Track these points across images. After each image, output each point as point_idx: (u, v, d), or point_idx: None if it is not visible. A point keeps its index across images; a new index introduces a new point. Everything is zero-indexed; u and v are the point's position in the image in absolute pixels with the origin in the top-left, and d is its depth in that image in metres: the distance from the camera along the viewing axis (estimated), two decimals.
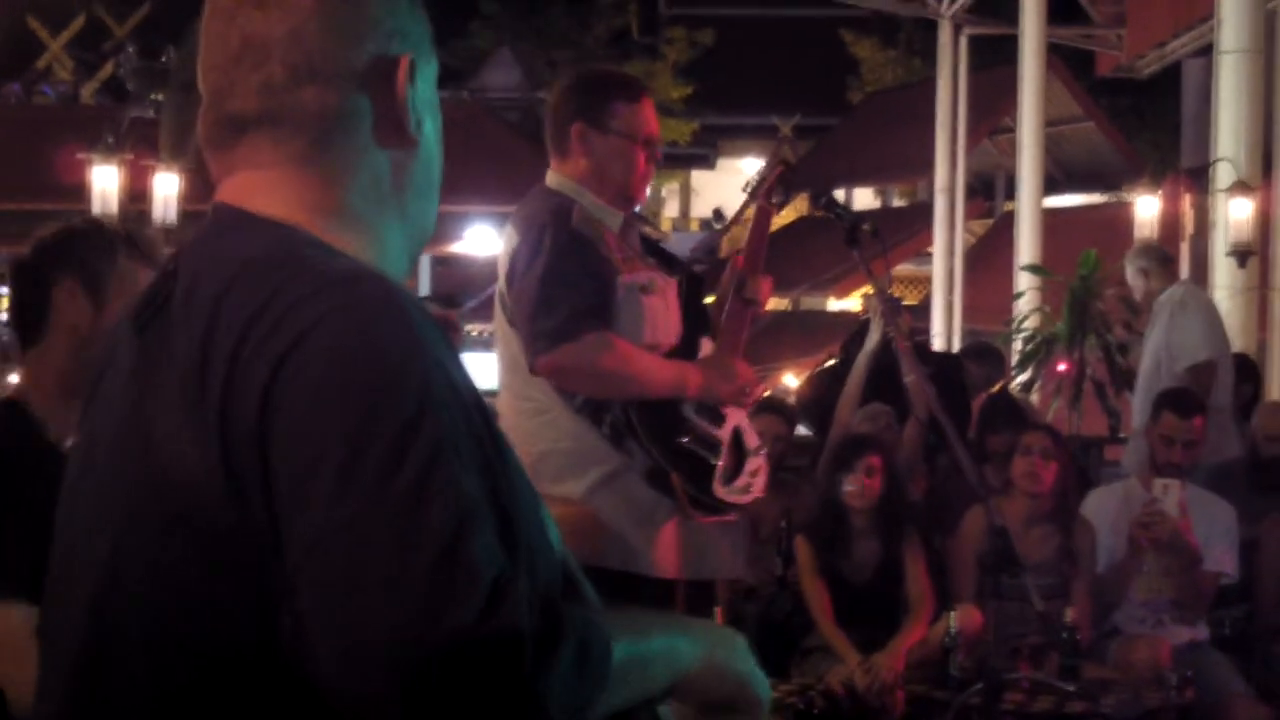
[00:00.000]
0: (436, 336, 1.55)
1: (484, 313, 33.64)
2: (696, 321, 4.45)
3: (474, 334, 32.51)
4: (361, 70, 1.68)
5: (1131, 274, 8.63)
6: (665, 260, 4.47)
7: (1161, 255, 8.86)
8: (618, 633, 1.58)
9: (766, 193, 4.76)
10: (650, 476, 4.27)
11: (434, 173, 1.77)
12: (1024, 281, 16.45)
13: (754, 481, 4.44)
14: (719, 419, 4.39)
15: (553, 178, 4.41)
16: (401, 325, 1.53)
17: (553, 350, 4.10)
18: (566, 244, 4.16)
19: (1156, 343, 8.41)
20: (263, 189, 1.67)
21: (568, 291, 4.11)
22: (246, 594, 1.51)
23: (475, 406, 1.57)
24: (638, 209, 4.59)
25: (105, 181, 13.89)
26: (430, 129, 1.75)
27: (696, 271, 4.51)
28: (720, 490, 4.33)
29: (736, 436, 4.43)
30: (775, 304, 29.02)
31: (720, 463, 4.35)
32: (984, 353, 9.36)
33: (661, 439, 4.26)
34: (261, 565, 1.49)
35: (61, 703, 1.65)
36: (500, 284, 4.33)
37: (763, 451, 4.52)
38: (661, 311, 4.34)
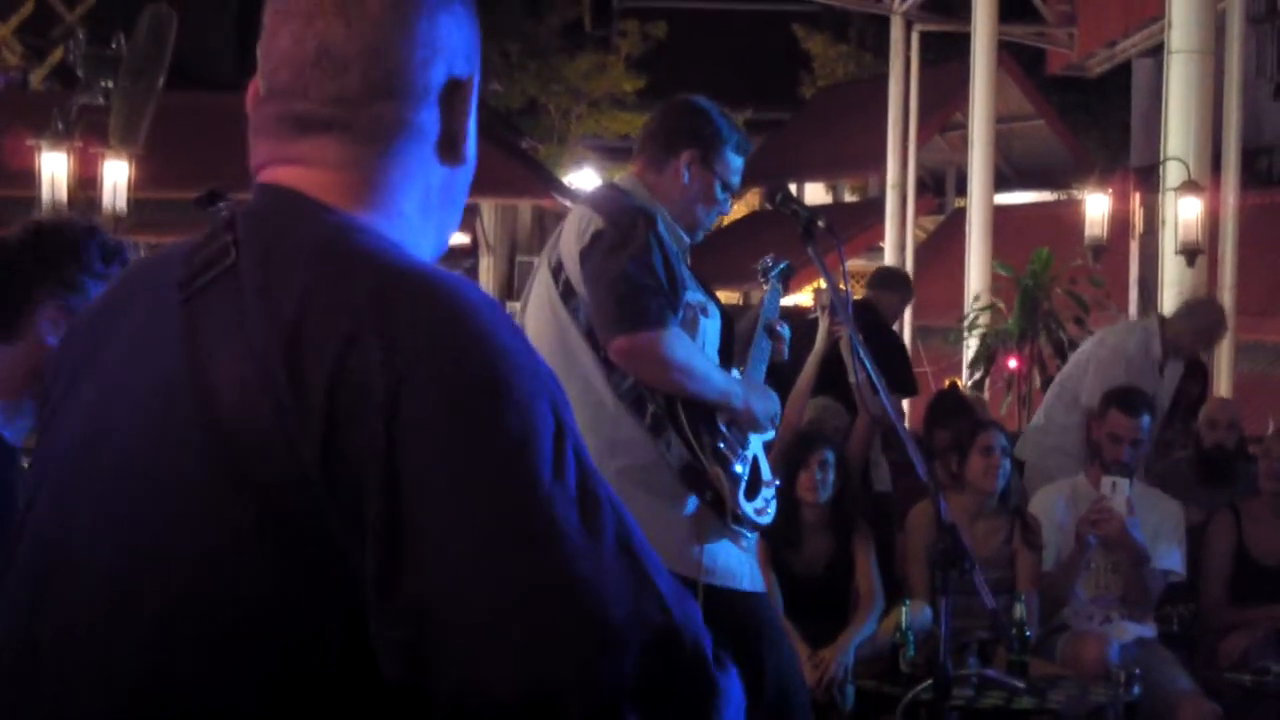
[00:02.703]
0: (521, 331, 1.56)
1: None
2: (727, 354, 4.58)
3: None
4: (435, 90, 1.68)
5: None
6: (709, 292, 4.59)
7: None
8: None
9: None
10: (684, 472, 4.34)
11: (467, 187, 1.78)
12: (976, 280, 16.51)
13: (767, 508, 4.53)
14: (744, 442, 4.49)
15: (632, 183, 4.54)
16: (512, 330, 1.53)
17: (637, 332, 4.19)
18: (656, 243, 4.28)
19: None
20: (323, 184, 1.65)
21: (656, 285, 4.23)
22: (326, 598, 1.47)
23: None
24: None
25: (54, 168, 13.79)
26: (473, 145, 1.76)
27: (729, 311, 4.65)
28: (741, 501, 4.40)
29: (755, 463, 4.53)
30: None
31: (745, 477, 4.44)
32: (889, 280, 9.05)
33: (701, 436, 4.35)
34: (344, 565, 1.46)
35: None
36: (564, 259, 4.39)
37: (776, 485, 4.62)
38: (711, 336, 4.47)
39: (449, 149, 1.71)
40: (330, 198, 1.64)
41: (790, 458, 6.48)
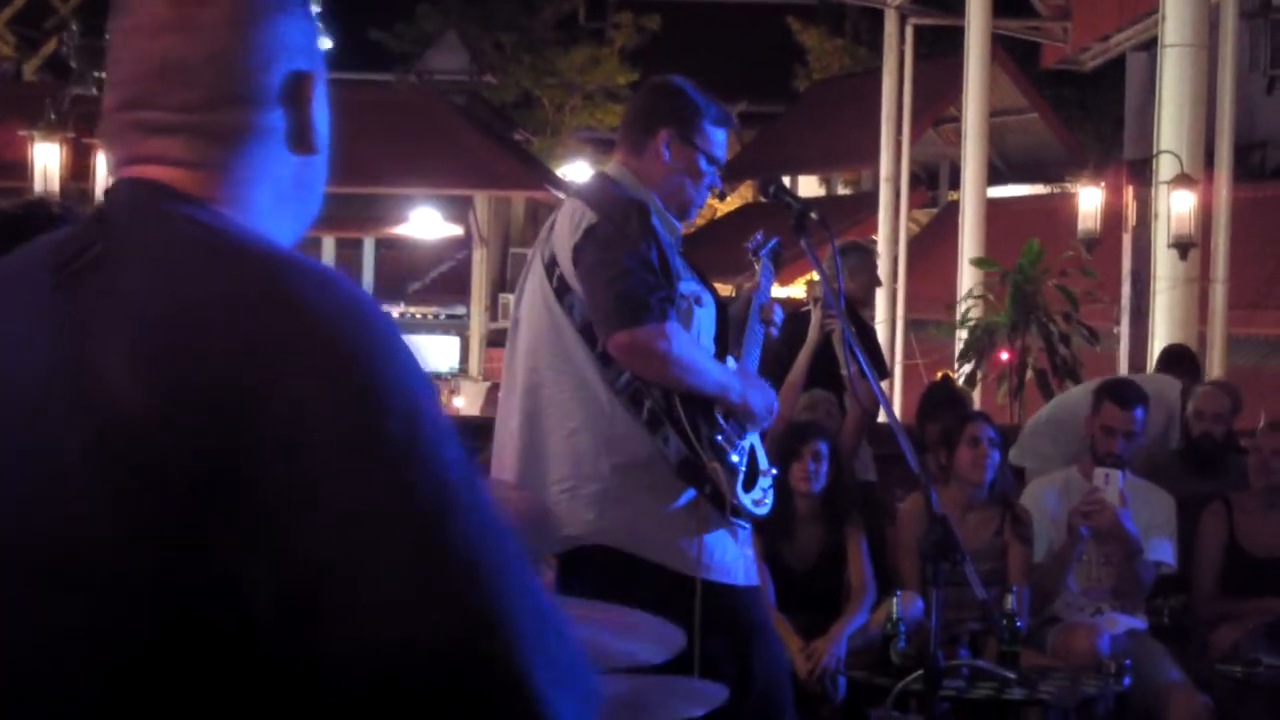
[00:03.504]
0: (391, 318, 1.60)
1: (428, 296, 33.41)
2: (722, 342, 4.56)
3: (419, 317, 32.38)
4: (277, 89, 1.72)
5: None
6: (703, 280, 4.55)
7: None
8: None
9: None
10: (682, 466, 4.31)
11: (323, 172, 1.82)
12: (969, 273, 16.51)
13: (765, 499, 4.52)
14: (740, 432, 4.47)
15: (619, 171, 4.48)
16: (384, 317, 1.57)
17: (637, 327, 4.16)
18: (650, 236, 4.25)
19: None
20: (177, 179, 1.69)
21: (653, 278, 4.21)
22: (199, 576, 1.47)
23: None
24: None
25: (47, 159, 13.80)
26: (324, 133, 1.80)
27: (722, 298, 4.63)
28: (740, 493, 4.39)
29: (753, 452, 4.51)
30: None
31: (743, 468, 4.42)
32: (846, 252, 7.99)
33: (699, 429, 4.33)
34: (221, 547, 1.46)
35: None
36: (557, 253, 4.37)
37: (773, 473, 4.60)
38: (706, 326, 4.44)
39: (299, 141, 1.75)
40: (186, 190, 1.68)
41: (783, 449, 6.47)
